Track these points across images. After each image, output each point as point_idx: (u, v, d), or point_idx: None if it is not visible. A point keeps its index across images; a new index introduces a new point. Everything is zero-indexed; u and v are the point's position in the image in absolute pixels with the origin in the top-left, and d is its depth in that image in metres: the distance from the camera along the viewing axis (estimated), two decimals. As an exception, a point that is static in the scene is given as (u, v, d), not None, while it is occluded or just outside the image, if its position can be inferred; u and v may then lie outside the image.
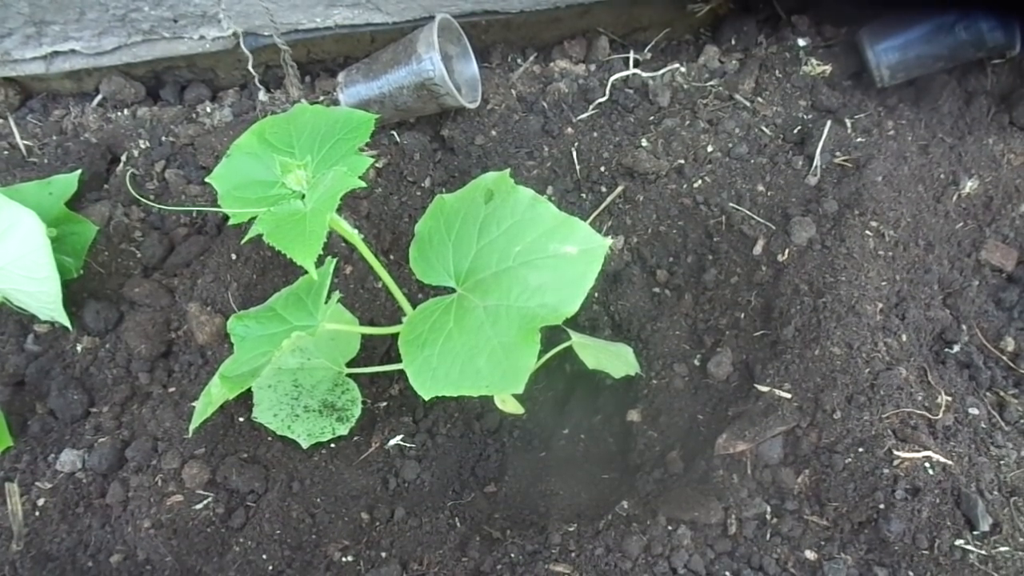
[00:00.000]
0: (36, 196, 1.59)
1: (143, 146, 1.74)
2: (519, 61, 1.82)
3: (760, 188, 1.60)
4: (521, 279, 1.13)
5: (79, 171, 1.63)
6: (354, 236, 1.24)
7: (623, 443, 1.49)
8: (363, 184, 1.10)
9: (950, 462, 1.26)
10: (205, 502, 1.37)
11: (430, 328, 1.17)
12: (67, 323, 1.47)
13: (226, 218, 1.66)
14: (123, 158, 1.73)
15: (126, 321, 1.55)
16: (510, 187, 1.18)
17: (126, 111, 1.80)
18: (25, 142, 1.75)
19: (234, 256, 1.59)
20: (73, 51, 1.70)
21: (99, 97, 1.81)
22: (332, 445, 1.46)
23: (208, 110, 1.80)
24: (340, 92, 1.67)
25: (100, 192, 1.71)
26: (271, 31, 1.64)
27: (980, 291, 1.53)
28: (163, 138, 1.75)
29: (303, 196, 1.17)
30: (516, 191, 1.17)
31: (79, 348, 1.55)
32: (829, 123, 1.61)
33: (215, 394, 1.17)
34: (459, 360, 1.13)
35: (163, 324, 1.56)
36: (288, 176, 1.17)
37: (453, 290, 1.19)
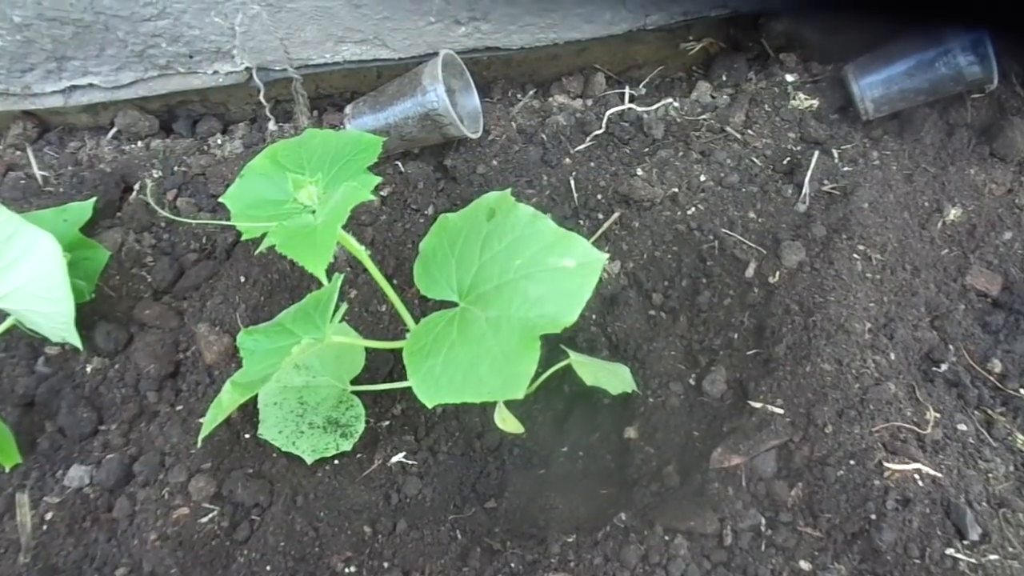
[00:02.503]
0: (51, 222, 1.64)
1: (156, 175, 1.81)
2: (519, 96, 1.90)
3: (751, 215, 1.66)
4: (521, 291, 1.18)
5: (93, 199, 1.69)
6: (360, 252, 1.29)
7: (620, 459, 1.52)
8: (372, 197, 1.15)
9: (939, 474, 1.30)
10: (211, 515, 1.39)
11: (434, 339, 1.21)
12: (78, 344, 1.50)
13: (235, 243, 1.72)
14: (136, 187, 1.79)
15: (136, 342, 1.59)
16: (511, 205, 1.23)
17: (140, 143, 1.87)
18: (42, 172, 1.81)
19: (242, 279, 1.64)
20: (91, 85, 1.77)
21: (114, 130, 1.88)
22: (336, 461, 1.49)
23: (219, 142, 1.87)
24: (347, 123, 1.74)
25: (113, 219, 1.76)
26: (283, 65, 1.72)
27: (966, 315, 1.57)
28: (175, 168, 1.81)
29: (314, 211, 1.23)
30: (517, 208, 1.22)
31: (89, 369, 1.58)
32: (817, 154, 1.68)
33: (226, 400, 1.21)
34: (462, 369, 1.16)
35: (172, 345, 1.60)
36: (300, 192, 1.22)
37: (456, 304, 1.23)
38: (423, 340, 1.22)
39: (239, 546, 1.37)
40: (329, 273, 1.20)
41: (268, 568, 1.34)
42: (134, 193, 1.79)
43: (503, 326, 1.17)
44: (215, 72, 1.76)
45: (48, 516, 1.40)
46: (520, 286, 1.18)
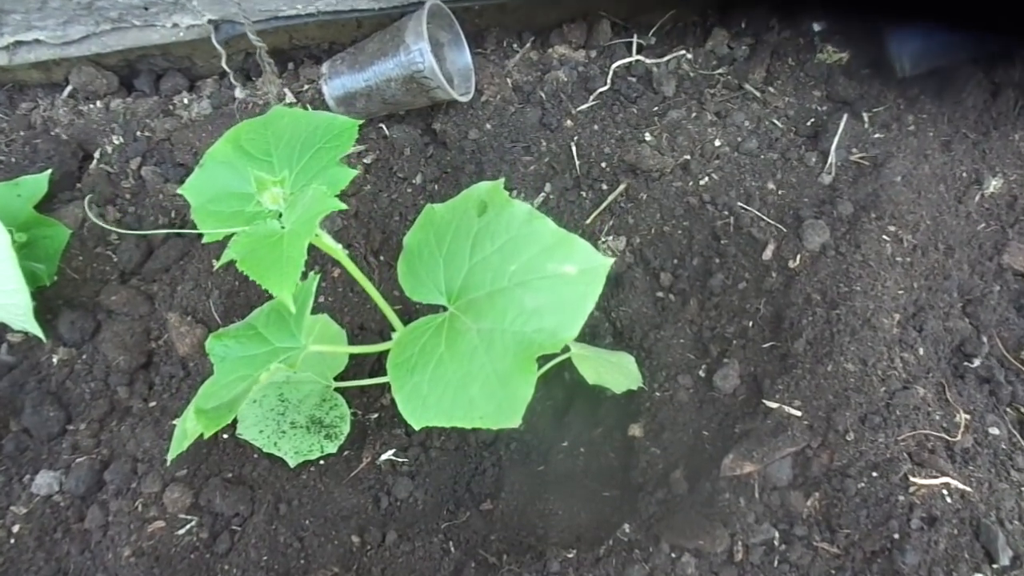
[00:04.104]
0: (3, 198, 1.50)
1: (117, 142, 1.65)
2: (515, 47, 1.71)
3: (771, 186, 1.51)
4: (517, 301, 1.05)
5: (49, 171, 1.54)
6: (338, 252, 1.16)
7: (624, 459, 1.43)
8: (343, 206, 1.01)
9: (969, 488, 1.20)
10: (188, 527, 1.31)
11: (420, 351, 1.10)
12: (40, 334, 1.39)
13: (206, 220, 1.57)
14: (96, 155, 1.64)
15: (103, 331, 1.48)
16: (505, 200, 1.09)
17: (98, 103, 1.70)
18: (-9, 137, 1.66)
19: (215, 261, 1.51)
20: (37, 41, 1.59)
21: (69, 88, 1.70)
22: (321, 461, 1.40)
23: (185, 101, 1.70)
24: (324, 84, 1.57)
25: (72, 192, 1.61)
26: (246, 20, 1.53)
27: (1001, 297, 1.44)
28: (138, 133, 1.65)
29: (280, 215, 1.09)
30: (511, 205, 1.09)
31: (55, 360, 1.47)
32: (845, 117, 1.52)
33: (190, 428, 1.10)
34: (451, 388, 1.05)
35: (142, 334, 1.48)
36: (264, 194, 1.08)
37: (444, 308, 1.11)
38: (408, 351, 1.10)
39: (219, 560, 1.29)
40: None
41: (250, 585, 1.26)
42: (94, 162, 1.63)
43: (496, 341, 1.05)
44: (175, 25, 1.57)
45: (15, 528, 1.32)
46: (515, 295, 1.06)
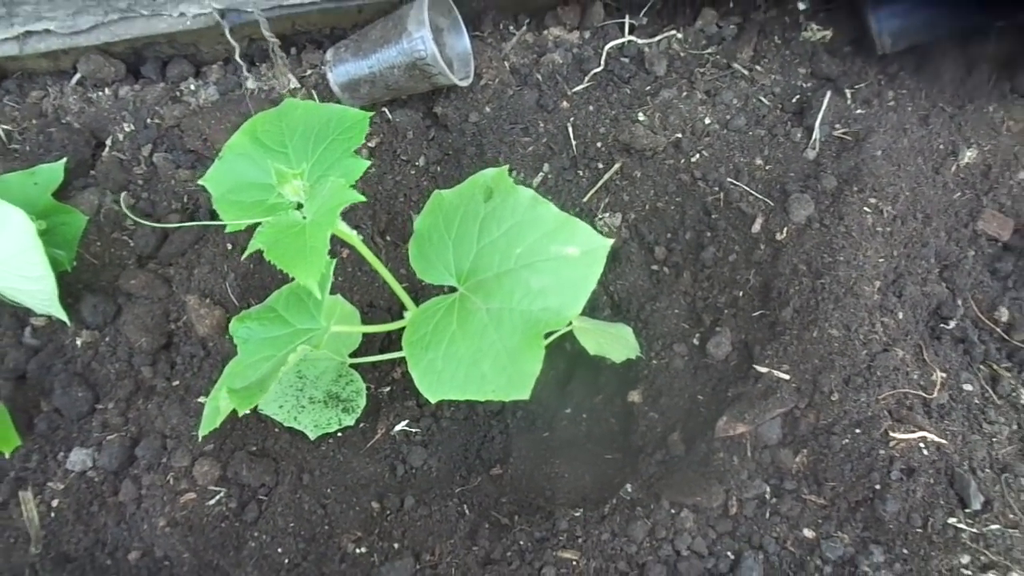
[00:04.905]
0: (21, 187, 1.55)
1: (128, 129, 1.70)
2: (512, 29, 1.76)
3: (758, 162, 1.58)
4: (523, 282, 1.13)
5: (64, 159, 1.59)
6: (353, 237, 1.23)
7: (625, 424, 1.52)
8: (362, 198, 1.08)
9: (944, 441, 1.30)
10: (218, 497, 1.39)
11: (433, 329, 1.17)
12: (66, 319, 1.46)
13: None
14: (108, 143, 1.69)
15: (124, 314, 1.54)
16: (510, 186, 1.17)
17: (107, 91, 1.75)
18: (4, 127, 1.70)
19: (230, 245, 1.57)
20: (47, 31, 1.63)
21: (77, 76, 1.75)
22: (339, 434, 1.48)
23: (192, 87, 1.74)
24: (328, 71, 1.62)
25: (87, 179, 1.67)
26: (257, 11, 1.57)
27: (976, 262, 1.53)
28: (148, 120, 1.70)
29: (300, 205, 1.16)
30: (516, 191, 1.16)
31: (79, 342, 1.54)
32: (829, 94, 1.59)
33: (223, 407, 1.18)
34: (464, 364, 1.13)
35: (162, 316, 1.55)
36: (285, 186, 1.15)
37: (454, 288, 1.19)
38: (423, 330, 1.18)
39: (249, 528, 1.38)
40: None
41: (279, 550, 1.35)
42: (107, 149, 1.69)
43: (505, 320, 1.13)
44: (181, 15, 1.62)
45: (54, 503, 1.40)
46: (521, 276, 1.14)
